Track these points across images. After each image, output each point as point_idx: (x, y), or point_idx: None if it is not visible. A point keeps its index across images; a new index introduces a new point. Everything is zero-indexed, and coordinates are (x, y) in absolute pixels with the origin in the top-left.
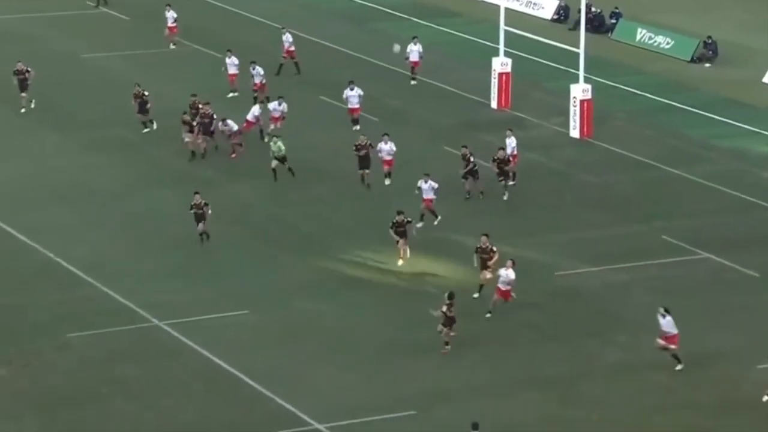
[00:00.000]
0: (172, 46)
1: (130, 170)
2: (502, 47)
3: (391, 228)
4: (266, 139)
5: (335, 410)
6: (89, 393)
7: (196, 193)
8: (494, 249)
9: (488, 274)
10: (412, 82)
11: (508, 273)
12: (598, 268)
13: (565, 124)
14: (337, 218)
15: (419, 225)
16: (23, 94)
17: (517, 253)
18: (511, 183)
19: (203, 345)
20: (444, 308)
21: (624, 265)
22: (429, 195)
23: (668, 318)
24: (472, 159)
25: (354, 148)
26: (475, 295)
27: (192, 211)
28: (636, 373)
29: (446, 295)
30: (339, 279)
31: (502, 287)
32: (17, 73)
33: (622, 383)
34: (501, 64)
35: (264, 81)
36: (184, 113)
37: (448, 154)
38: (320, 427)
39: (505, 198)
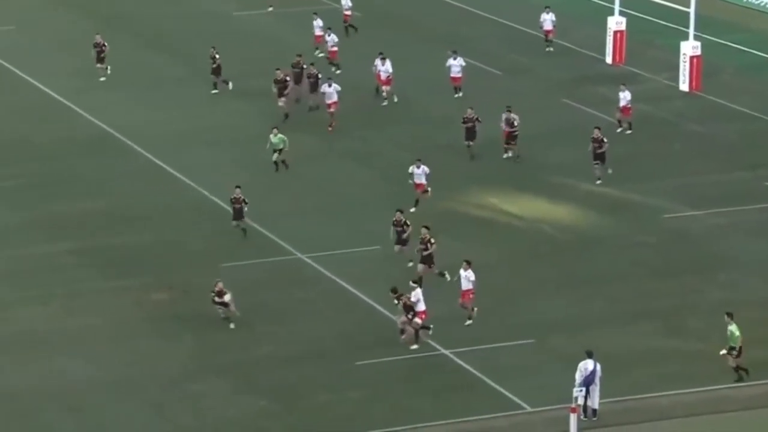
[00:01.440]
0: (269, 8)
1: (273, 118)
2: (617, 7)
3: (393, 225)
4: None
5: (459, 338)
6: (236, 317)
7: (237, 187)
8: (408, 223)
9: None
10: (548, 49)
11: (467, 274)
12: (703, 212)
13: (675, 79)
14: (461, 164)
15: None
16: (99, 65)
17: (628, 197)
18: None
19: (340, 275)
20: (395, 301)
21: (727, 209)
22: (421, 180)
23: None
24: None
25: (462, 120)
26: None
27: (230, 205)
28: (735, 309)
29: (390, 289)
30: (462, 219)
31: (464, 288)
32: (96, 45)
33: (723, 318)
34: (616, 22)
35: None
36: (277, 69)
37: (565, 106)
38: (446, 352)
39: (598, 183)
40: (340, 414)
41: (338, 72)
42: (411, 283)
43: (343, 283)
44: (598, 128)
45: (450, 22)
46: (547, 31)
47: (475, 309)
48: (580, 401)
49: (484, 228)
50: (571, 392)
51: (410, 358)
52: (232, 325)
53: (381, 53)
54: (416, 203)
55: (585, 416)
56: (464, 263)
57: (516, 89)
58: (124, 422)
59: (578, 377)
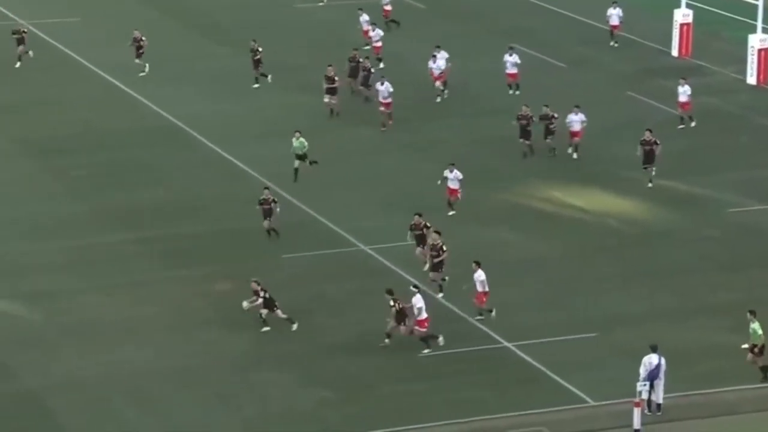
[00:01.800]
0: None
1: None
2: None
3: (409, 229)
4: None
5: (522, 330)
6: (300, 307)
7: (266, 188)
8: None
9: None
10: (613, 44)
11: (477, 275)
12: None
13: (743, 72)
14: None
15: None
16: (138, 61)
17: (694, 191)
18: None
19: (404, 267)
20: (391, 302)
21: None
22: (455, 185)
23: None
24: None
25: (516, 117)
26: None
27: (259, 207)
28: None
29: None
30: (523, 211)
31: (479, 289)
32: (134, 41)
33: None
34: (682, 15)
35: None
36: (329, 65)
37: (630, 99)
38: (509, 345)
39: (649, 185)
40: (403, 405)
41: (381, 66)
42: (411, 288)
43: (405, 275)
44: (650, 130)
45: (516, 14)
46: (614, 27)
47: (493, 311)
48: (645, 396)
49: (548, 221)
50: (635, 386)
51: (473, 350)
52: (294, 326)
53: (437, 47)
54: (450, 206)
55: (649, 410)
56: (474, 264)
57: (580, 82)
58: (188, 411)
59: (643, 371)
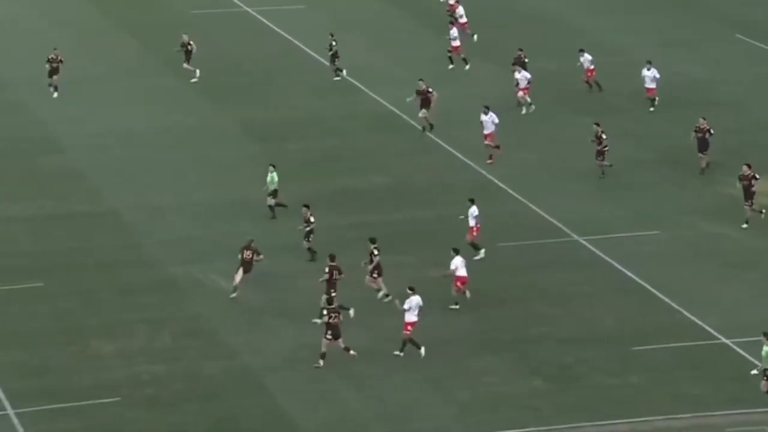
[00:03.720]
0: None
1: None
2: None
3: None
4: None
5: (741, 326)
6: (514, 296)
7: (305, 206)
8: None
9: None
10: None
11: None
12: None
13: None
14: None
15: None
16: (186, 66)
17: None
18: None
19: (618, 259)
20: (325, 315)
21: None
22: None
23: None
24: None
25: (694, 130)
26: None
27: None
28: None
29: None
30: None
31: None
32: (182, 45)
33: None
34: None
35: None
36: (420, 79)
37: None
38: (726, 341)
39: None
40: (617, 397)
41: (467, 67)
42: (407, 290)
43: (621, 267)
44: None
45: (740, 3)
46: (649, 90)
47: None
48: None
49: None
50: None
51: (690, 345)
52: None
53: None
54: (476, 248)
55: None
56: (452, 251)
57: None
58: (402, 394)
59: None
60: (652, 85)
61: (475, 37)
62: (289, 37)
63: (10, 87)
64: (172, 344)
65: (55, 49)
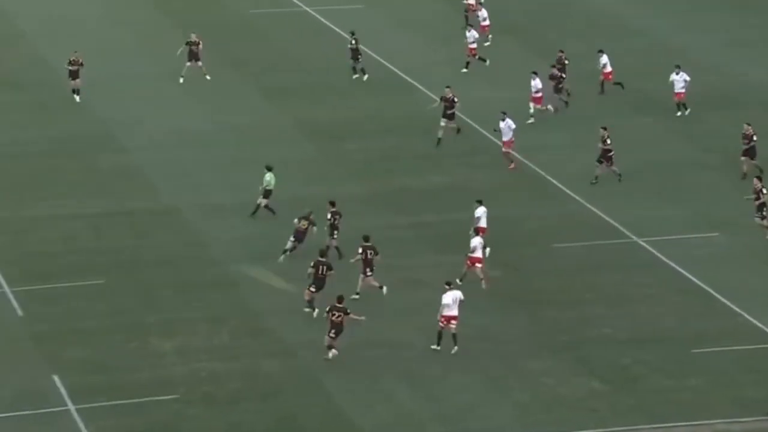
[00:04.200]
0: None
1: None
2: None
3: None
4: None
5: None
6: (573, 297)
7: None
8: None
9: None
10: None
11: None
12: None
13: None
14: None
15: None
16: (189, 64)
17: None
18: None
19: (677, 261)
20: (327, 311)
21: None
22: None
23: None
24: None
25: (741, 136)
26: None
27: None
28: None
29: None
30: None
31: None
32: (189, 43)
33: None
34: None
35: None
36: (447, 87)
37: None
38: None
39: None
40: (677, 400)
41: (487, 63)
42: (445, 285)
43: (680, 269)
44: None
45: None
46: (678, 95)
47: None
48: None
49: None
50: None
51: (751, 349)
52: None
53: (601, 50)
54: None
55: None
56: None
57: None
58: (459, 393)
59: None
60: (682, 90)
61: (490, 38)
62: (348, 37)
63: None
64: (230, 342)
65: (75, 52)
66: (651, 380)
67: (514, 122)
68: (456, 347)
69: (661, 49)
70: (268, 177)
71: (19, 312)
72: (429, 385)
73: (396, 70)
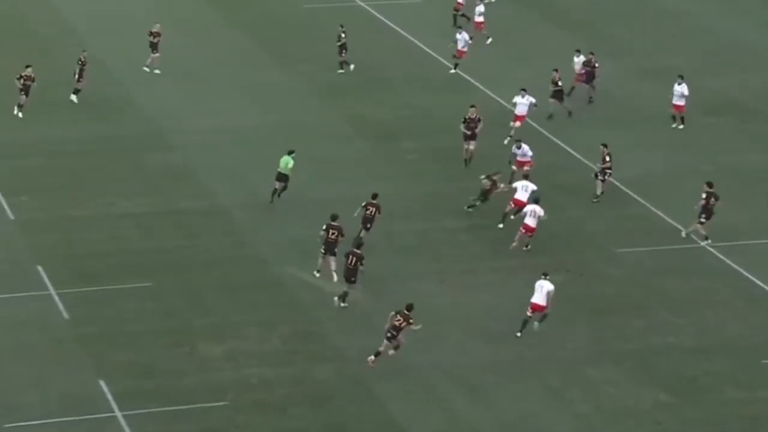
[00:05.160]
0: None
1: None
2: None
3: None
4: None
5: None
6: (636, 303)
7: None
8: None
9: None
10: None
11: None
12: None
13: None
14: None
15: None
16: (154, 55)
17: None
18: None
19: (745, 267)
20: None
21: None
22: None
23: None
24: None
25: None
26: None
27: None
28: None
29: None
30: None
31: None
32: (151, 34)
33: None
34: None
35: (466, 48)
36: (473, 106)
37: None
38: None
39: None
40: (747, 413)
41: (489, 41)
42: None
43: (749, 275)
44: None
45: None
46: (677, 107)
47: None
48: None
49: None
50: None
51: None
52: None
53: (578, 50)
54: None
55: None
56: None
57: None
58: (517, 402)
59: None
60: (681, 102)
61: (489, 39)
62: (403, 33)
63: (123, 84)
64: (281, 347)
65: (84, 51)
66: (719, 391)
67: (535, 99)
68: (537, 324)
69: (731, 47)
70: (286, 159)
71: (65, 314)
72: (485, 392)
73: (449, 65)
